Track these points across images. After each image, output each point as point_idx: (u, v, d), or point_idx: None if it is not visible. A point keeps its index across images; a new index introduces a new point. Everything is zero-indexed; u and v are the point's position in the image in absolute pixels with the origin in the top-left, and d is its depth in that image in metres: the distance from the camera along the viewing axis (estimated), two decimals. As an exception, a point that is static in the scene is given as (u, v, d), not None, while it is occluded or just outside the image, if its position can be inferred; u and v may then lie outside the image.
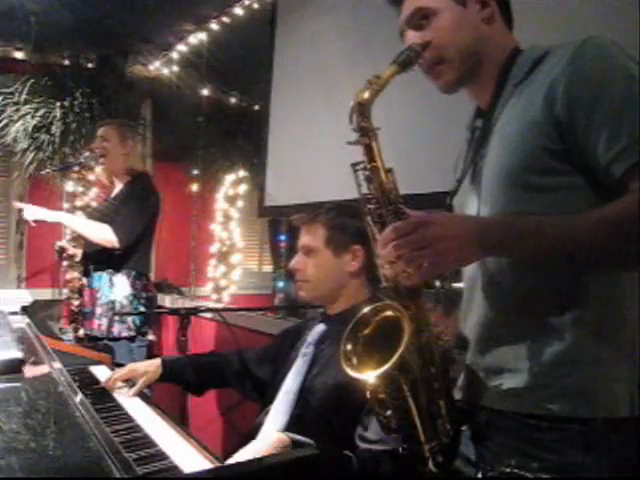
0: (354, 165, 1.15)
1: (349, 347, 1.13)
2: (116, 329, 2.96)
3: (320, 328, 1.76)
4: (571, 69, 1.03)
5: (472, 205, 1.19)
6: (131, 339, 2.99)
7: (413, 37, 1.21)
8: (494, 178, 1.13)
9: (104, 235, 2.95)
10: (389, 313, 1.12)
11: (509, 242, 1.02)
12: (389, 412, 1.12)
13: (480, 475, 1.15)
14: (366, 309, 1.15)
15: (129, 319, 2.98)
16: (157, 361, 1.93)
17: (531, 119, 1.07)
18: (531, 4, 1.81)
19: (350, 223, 1.72)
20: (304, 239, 1.75)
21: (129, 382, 1.88)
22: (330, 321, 1.75)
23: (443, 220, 1.03)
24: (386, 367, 1.04)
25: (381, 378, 1.08)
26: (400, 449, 1.14)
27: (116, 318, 2.95)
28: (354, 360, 1.11)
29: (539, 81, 1.08)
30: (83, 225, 3.06)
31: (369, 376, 1.07)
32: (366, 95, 1.12)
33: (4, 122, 4.25)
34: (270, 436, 1.45)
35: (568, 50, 1.06)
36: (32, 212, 3.08)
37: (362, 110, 1.12)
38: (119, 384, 1.86)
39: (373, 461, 1.41)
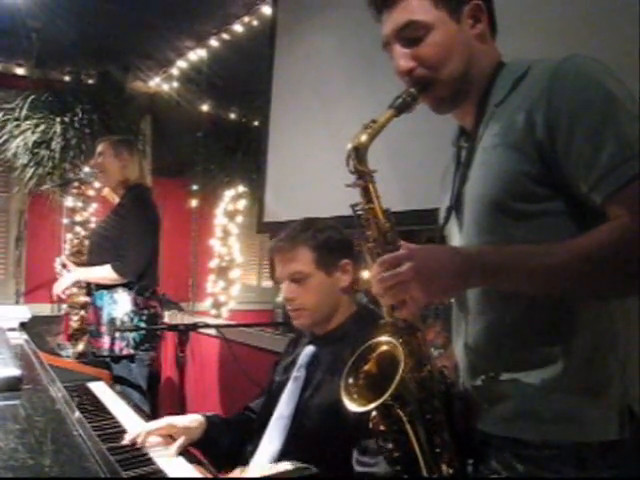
0: (353, 206, 1.17)
1: (350, 381, 1.15)
2: (117, 346, 2.95)
3: (310, 350, 1.70)
4: (549, 93, 1.01)
5: (458, 234, 1.19)
6: (131, 357, 2.97)
7: (404, 55, 1.14)
8: (477, 206, 1.11)
9: (107, 275, 2.98)
10: (386, 348, 1.14)
11: (491, 273, 1.02)
12: (390, 445, 1.13)
13: None
14: (365, 345, 1.17)
15: (130, 336, 2.96)
16: (198, 416, 1.71)
17: (512, 144, 1.05)
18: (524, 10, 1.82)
19: (332, 237, 1.67)
20: (291, 266, 1.66)
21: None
22: (320, 342, 1.70)
23: (427, 253, 1.03)
24: (378, 402, 1.07)
25: (379, 411, 1.10)
26: None
27: (117, 335, 2.94)
28: (355, 394, 1.13)
29: (518, 103, 1.06)
30: (91, 275, 3.08)
31: (365, 409, 1.09)
32: (362, 139, 1.13)
33: (4, 138, 4.27)
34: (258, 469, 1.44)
35: (547, 71, 1.04)
36: (59, 286, 3.13)
37: (358, 154, 1.13)
38: (154, 439, 1.59)
39: None
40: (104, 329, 2.99)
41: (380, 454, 1.16)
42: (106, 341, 2.97)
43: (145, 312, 3.05)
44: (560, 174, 1.01)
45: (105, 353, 2.96)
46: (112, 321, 2.98)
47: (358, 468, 1.45)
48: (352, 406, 1.12)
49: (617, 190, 0.95)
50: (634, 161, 0.94)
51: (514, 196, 1.05)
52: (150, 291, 3.09)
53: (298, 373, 1.68)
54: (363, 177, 1.14)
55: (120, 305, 3.00)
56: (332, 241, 1.67)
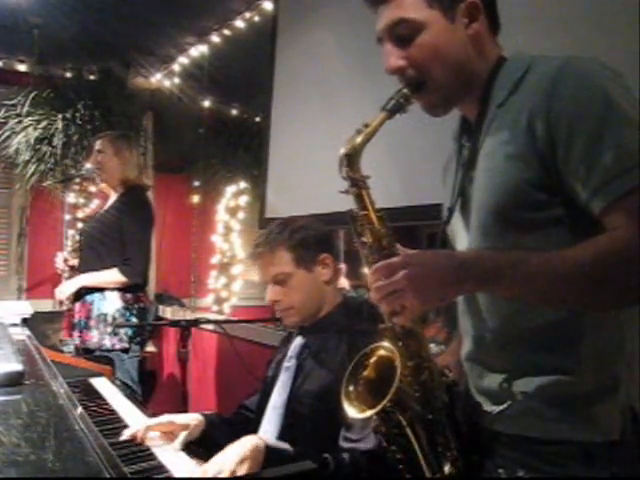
0: (349, 211, 1.15)
1: (350, 388, 1.15)
2: (109, 341, 2.96)
3: (299, 341, 1.77)
4: (550, 99, 0.99)
5: (463, 238, 1.18)
6: (124, 351, 2.98)
7: (394, 55, 1.13)
8: (482, 212, 1.10)
9: (115, 278, 2.99)
10: (384, 354, 1.14)
11: (486, 279, 1.00)
12: (393, 447, 1.13)
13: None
14: (364, 350, 1.18)
15: (122, 331, 2.97)
16: (197, 415, 1.71)
17: (514, 151, 1.03)
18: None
19: (307, 234, 1.73)
20: (272, 269, 1.72)
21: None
22: (308, 332, 1.76)
23: (421, 260, 1.02)
24: (375, 410, 1.07)
25: (379, 416, 1.10)
26: None
27: (108, 330, 2.94)
28: (355, 401, 1.14)
29: (520, 107, 1.04)
30: (97, 279, 3.05)
31: (364, 416, 1.10)
32: (354, 145, 1.11)
33: (6, 134, 4.28)
34: (246, 442, 1.43)
35: (548, 74, 1.02)
36: (63, 292, 3.11)
37: (350, 161, 1.11)
38: (153, 434, 1.61)
39: (352, 461, 1.43)
40: (93, 323, 2.99)
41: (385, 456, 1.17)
42: (95, 335, 2.97)
43: (135, 307, 3.06)
44: (561, 182, 1.00)
45: (92, 347, 2.97)
46: (102, 316, 2.98)
47: (344, 444, 1.48)
48: (352, 412, 1.12)
49: (615, 201, 0.94)
50: (634, 172, 0.92)
51: (518, 204, 1.04)
52: (139, 287, 3.10)
53: (289, 363, 1.75)
54: (356, 184, 1.12)
55: (109, 301, 3.00)
56: (308, 238, 1.73)
